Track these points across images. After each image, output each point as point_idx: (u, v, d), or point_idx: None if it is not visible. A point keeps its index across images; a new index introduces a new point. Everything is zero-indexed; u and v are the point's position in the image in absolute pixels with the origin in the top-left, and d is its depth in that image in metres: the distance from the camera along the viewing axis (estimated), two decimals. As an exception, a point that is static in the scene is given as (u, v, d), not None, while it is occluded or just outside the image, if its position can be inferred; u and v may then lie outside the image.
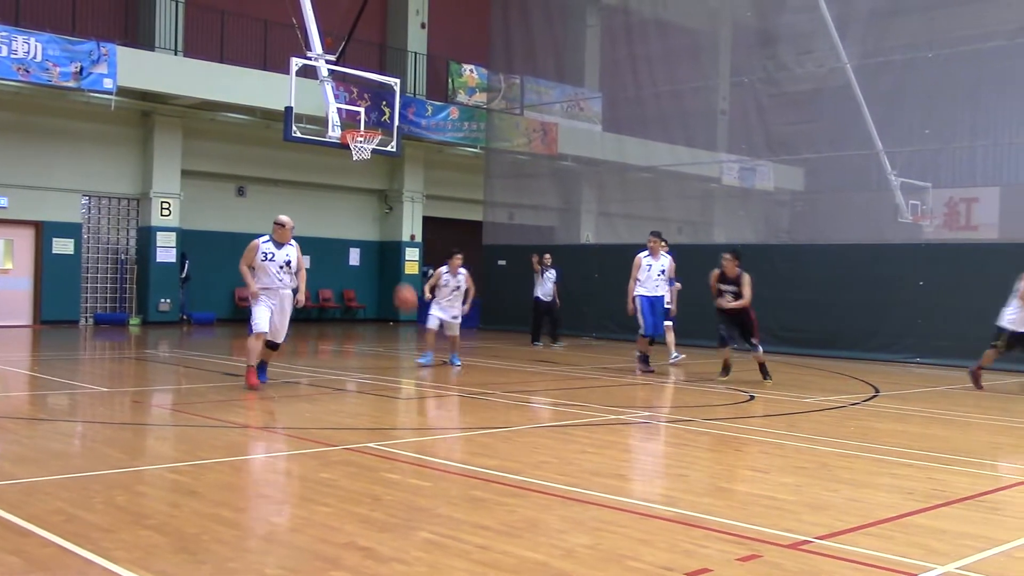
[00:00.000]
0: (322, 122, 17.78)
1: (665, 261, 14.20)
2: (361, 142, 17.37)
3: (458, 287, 14.32)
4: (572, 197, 26.62)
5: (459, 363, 14.24)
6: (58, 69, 19.35)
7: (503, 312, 23.66)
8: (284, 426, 8.50)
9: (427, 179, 27.59)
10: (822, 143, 21.51)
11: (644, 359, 13.85)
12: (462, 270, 14.44)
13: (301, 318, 25.65)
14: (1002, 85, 19.09)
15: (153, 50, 21.96)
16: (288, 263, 10.85)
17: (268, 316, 10.75)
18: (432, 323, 14.42)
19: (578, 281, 21.31)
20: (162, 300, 23.22)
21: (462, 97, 27.03)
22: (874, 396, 12.11)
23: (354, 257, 27.28)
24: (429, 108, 25.63)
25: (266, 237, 11.01)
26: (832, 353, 17.62)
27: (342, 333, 22.59)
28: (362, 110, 18.84)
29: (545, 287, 19.00)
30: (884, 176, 19.38)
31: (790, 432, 8.94)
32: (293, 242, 11.03)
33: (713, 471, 7.12)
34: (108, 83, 19.99)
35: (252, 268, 10.85)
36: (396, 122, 18.96)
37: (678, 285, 15.85)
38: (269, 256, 10.82)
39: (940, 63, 19.14)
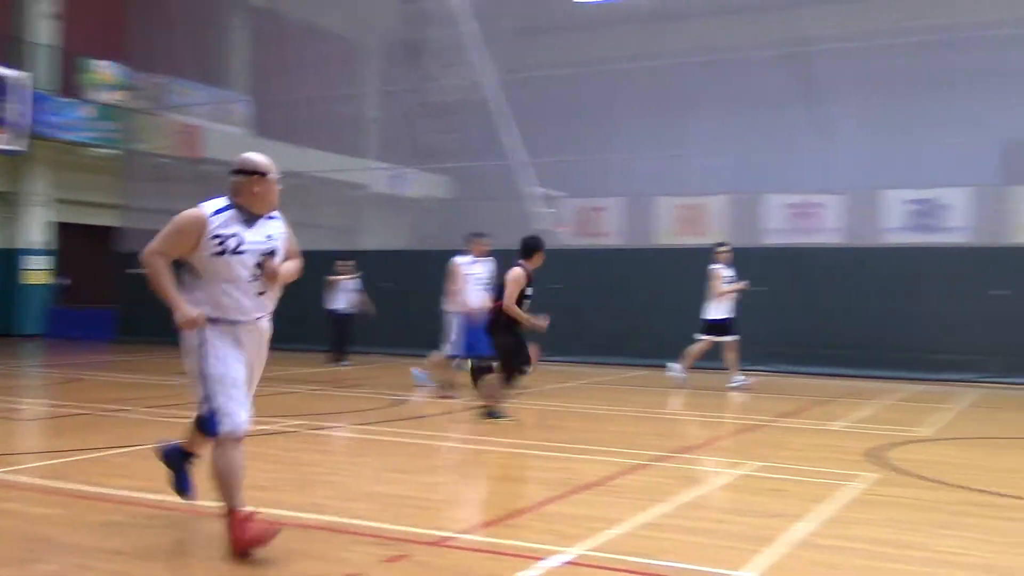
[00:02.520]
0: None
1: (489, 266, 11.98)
2: (-23, 139, 15.71)
3: None
4: (220, 203, 25.69)
5: None
6: None
7: (142, 322, 22.32)
8: None
9: (58, 182, 25.41)
10: (468, 153, 22.36)
11: (448, 384, 12.18)
12: None
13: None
14: (630, 103, 20.86)
15: None
16: (272, 253, 5.07)
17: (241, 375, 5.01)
18: None
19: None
20: None
21: (99, 95, 25.22)
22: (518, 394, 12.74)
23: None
24: (59, 105, 23.64)
25: (222, 204, 5.03)
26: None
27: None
28: (-21, 104, 17.04)
29: (345, 297, 17.02)
30: (525, 186, 20.53)
31: (437, 432, 9.21)
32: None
33: (362, 475, 7.16)
34: None
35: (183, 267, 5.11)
36: (20, 119, 17.32)
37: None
38: (232, 243, 4.95)
39: (577, 81, 20.64)
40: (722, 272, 13.67)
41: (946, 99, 18.03)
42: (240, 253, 4.98)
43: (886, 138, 18.56)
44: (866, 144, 18.74)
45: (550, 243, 11.10)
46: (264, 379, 5.32)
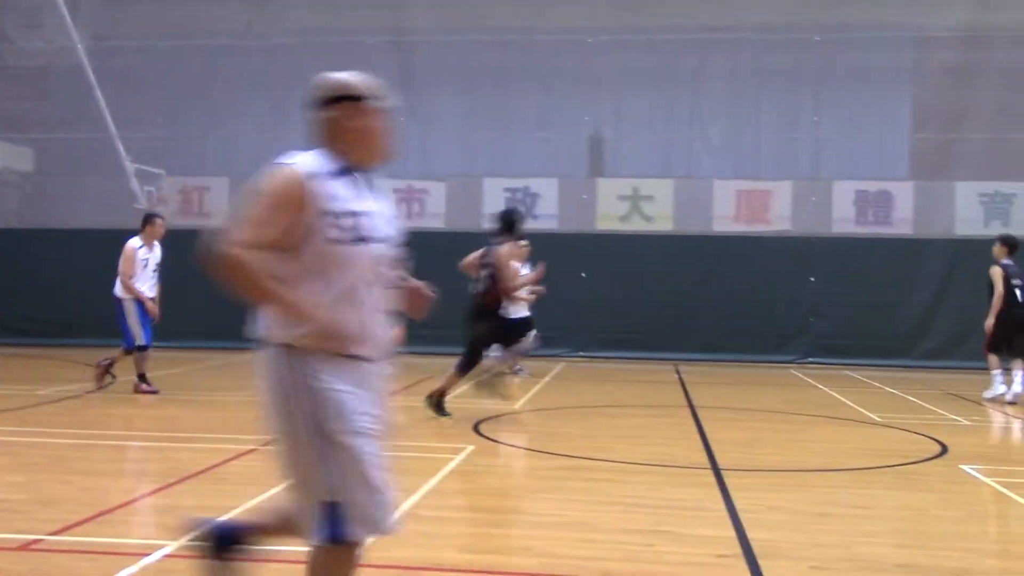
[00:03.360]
0: None
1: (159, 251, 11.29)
2: None
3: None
4: None
5: None
6: None
7: None
8: None
9: None
10: (54, 123, 20.56)
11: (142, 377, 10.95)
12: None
13: None
14: (230, 81, 20.19)
15: None
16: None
17: None
18: None
19: None
20: None
21: None
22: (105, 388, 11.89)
23: None
24: None
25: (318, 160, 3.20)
26: (72, 342, 17.12)
27: None
28: None
29: None
30: (119, 161, 19.27)
31: (20, 428, 8.46)
32: None
33: (-70, 480, 6.39)
34: None
35: None
36: None
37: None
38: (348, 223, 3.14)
39: (175, 54, 19.68)
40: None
41: (538, 96, 19.40)
42: (363, 241, 3.07)
43: (484, 129, 19.61)
44: (465, 134, 19.68)
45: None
46: None
